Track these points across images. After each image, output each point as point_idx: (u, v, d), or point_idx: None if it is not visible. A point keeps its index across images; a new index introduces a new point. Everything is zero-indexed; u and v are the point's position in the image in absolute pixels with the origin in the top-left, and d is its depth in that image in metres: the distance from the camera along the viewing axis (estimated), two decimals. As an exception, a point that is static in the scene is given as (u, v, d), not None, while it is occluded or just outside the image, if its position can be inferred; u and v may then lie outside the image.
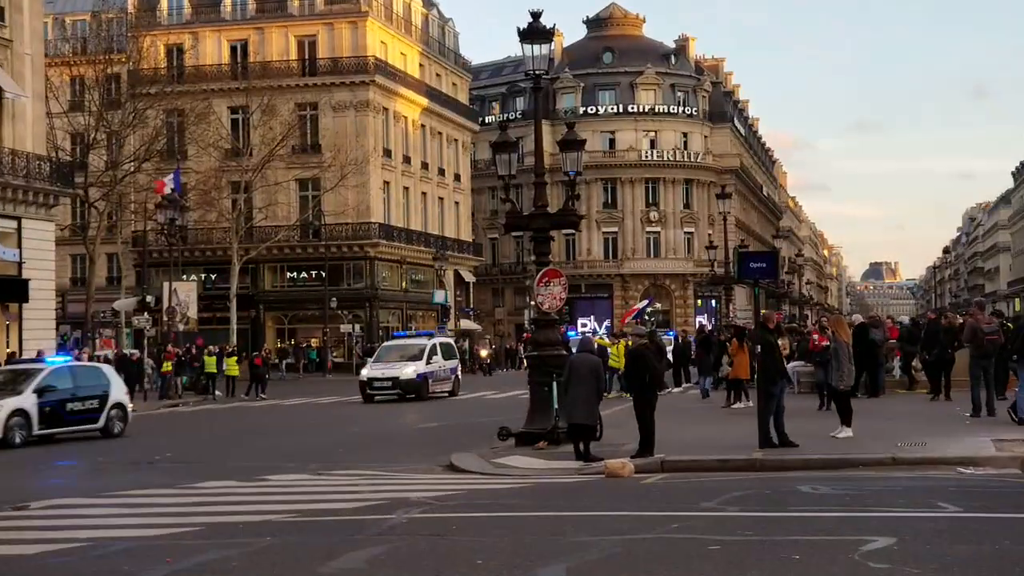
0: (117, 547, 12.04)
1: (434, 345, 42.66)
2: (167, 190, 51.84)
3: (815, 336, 29.21)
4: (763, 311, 21.54)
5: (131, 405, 31.36)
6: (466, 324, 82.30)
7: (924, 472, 16.80)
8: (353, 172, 68.21)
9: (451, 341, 48.42)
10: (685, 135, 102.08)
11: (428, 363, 41.41)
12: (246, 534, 12.60)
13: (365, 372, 41.78)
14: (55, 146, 54.83)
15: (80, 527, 13.61)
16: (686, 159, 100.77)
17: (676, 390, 37.59)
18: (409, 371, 40.58)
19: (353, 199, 70.13)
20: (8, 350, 42.14)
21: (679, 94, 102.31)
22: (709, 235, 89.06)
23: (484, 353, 70.50)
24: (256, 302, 71.48)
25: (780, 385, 20.27)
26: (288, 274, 73.13)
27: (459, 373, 44.73)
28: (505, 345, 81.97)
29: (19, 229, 44.82)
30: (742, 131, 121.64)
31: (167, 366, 46.06)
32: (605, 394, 23.12)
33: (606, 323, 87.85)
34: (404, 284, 76.58)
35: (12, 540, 12.74)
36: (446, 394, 41.92)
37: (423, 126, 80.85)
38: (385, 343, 49.35)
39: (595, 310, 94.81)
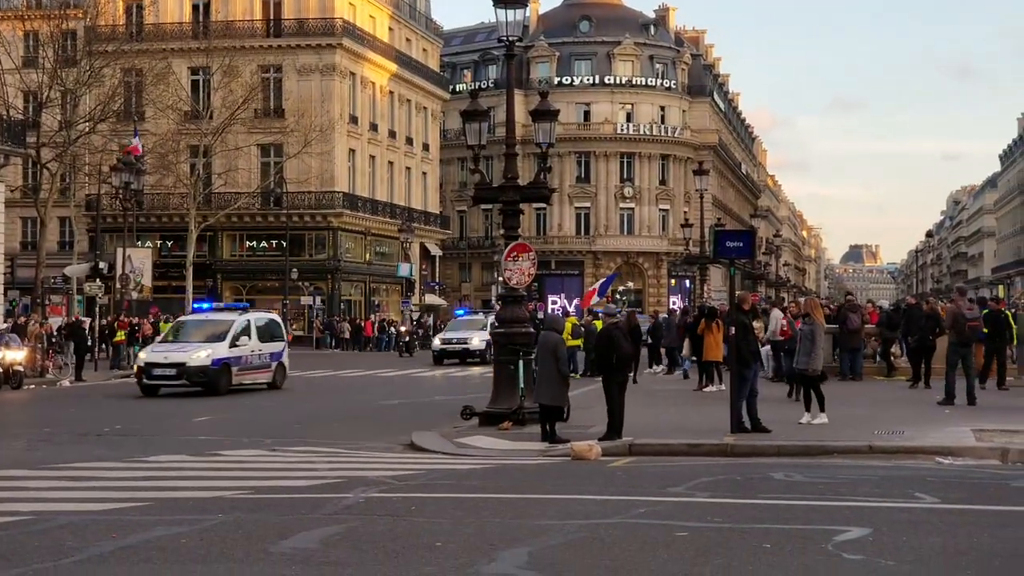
0: (61, 521, 11.71)
1: (247, 322, 33.36)
2: (139, 153, 50.82)
3: (783, 322, 28.04)
4: (738, 292, 20.82)
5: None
6: (432, 299, 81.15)
7: (901, 461, 16.62)
8: (317, 139, 66.75)
9: (275, 318, 37.92)
10: (663, 109, 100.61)
11: (233, 346, 32.20)
12: (196, 511, 12.35)
13: (142, 355, 33.37)
14: (6, 104, 53.18)
15: (22, 500, 13.31)
16: (663, 134, 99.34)
17: (656, 371, 37.21)
18: (202, 355, 31.49)
19: (317, 167, 68.62)
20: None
21: (658, 66, 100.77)
22: (685, 213, 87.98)
23: (404, 329, 65.13)
24: (214, 271, 70.08)
25: (754, 369, 19.79)
26: (248, 243, 71.73)
27: (285, 360, 34.83)
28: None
29: (-34, 189, 43.32)
30: (722, 106, 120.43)
31: (120, 335, 44.82)
32: (573, 375, 22.22)
33: (576, 301, 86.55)
34: (368, 256, 75.24)
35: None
36: (264, 385, 33.41)
37: (391, 93, 79.32)
38: (182, 318, 38.22)
39: (565, 287, 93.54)
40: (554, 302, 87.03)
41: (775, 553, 10.06)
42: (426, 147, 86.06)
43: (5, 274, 50.37)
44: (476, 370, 41.68)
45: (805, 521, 11.62)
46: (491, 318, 42.68)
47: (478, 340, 46.14)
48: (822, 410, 19.90)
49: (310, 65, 70.36)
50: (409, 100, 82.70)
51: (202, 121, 65.38)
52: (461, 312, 59.45)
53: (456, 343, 47.77)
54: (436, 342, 49.72)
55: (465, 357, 47.12)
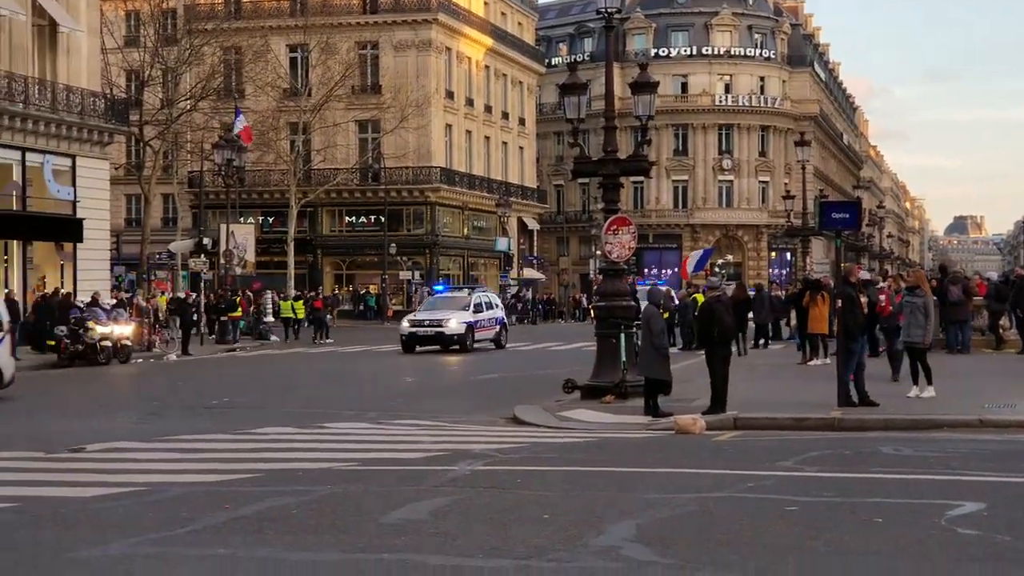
0: (174, 492, 11.89)
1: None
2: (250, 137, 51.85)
3: (882, 298, 27.39)
4: (844, 264, 20.30)
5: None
6: (530, 273, 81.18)
7: (1014, 435, 16.24)
8: (414, 114, 66.94)
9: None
10: (762, 79, 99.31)
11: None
12: (305, 482, 12.42)
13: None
14: (109, 82, 53.91)
15: (137, 471, 13.49)
16: (762, 104, 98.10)
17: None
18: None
19: (414, 142, 68.87)
20: (63, 290, 41.39)
21: (756, 36, 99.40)
22: (785, 184, 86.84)
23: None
24: (314, 246, 70.65)
25: (861, 342, 19.46)
26: (347, 218, 72.15)
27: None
28: (570, 295, 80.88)
29: (73, 167, 44.30)
30: (822, 76, 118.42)
31: (238, 312, 45.87)
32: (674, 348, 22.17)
33: (668, 273, 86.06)
34: (466, 231, 75.37)
35: (69, 482, 12.63)
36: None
37: (487, 67, 79.25)
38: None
39: (663, 261, 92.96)
40: (654, 274, 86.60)
41: (888, 527, 9.90)
42: (522, 121, 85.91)
43: (111, 250, 51.25)
44: (453, 358, 36.81)
45: (917, 495, 11.44)
46: (477, 295, 42.20)
47: (456, 322, 39.22)
48: (930, 383, 19.56)
49: (406, 41, 70.55)
50: (505, 74, 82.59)
51: (301, 98, 65.90)
52: (440, 288, 52.17)
53: (428, 326, 39.46)
54: (404, 324, 40.37)
55: (440, 343, 39.07)
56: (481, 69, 78.54)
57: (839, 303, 19.20)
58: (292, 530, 9.99)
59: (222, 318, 45.11)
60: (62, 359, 33.23)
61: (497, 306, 43.32)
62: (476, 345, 39.65)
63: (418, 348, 38.83)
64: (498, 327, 41.78)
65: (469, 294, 42.42)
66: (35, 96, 42.03)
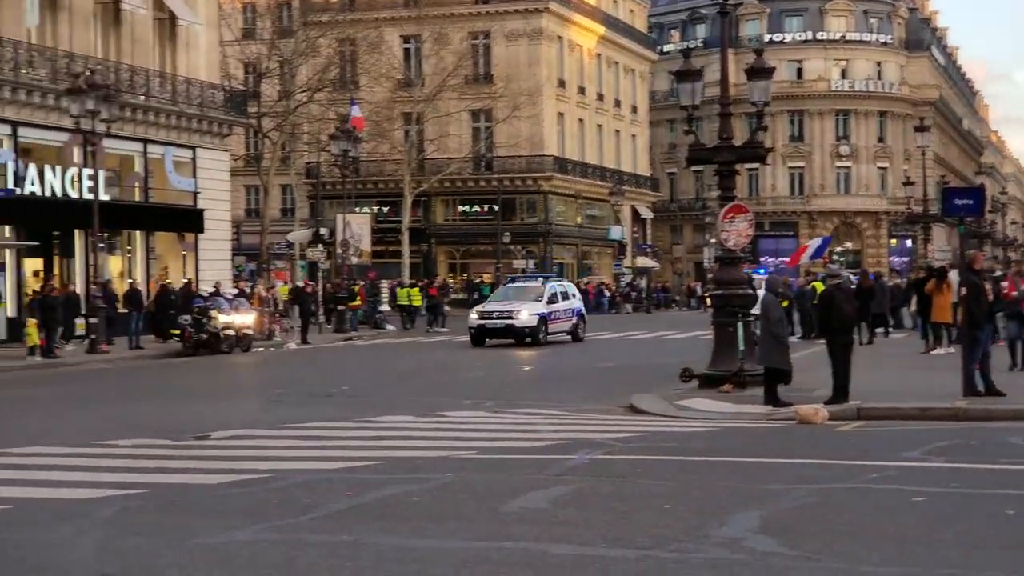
0: (297, 479, 12.02)
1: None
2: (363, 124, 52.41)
3: (1005, 285, 26.73)
4: (969, 251, 19.94)
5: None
6: (643, 261, 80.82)
7: None
8: (526, 103, 66.99)
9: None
10: (879, 64, 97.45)
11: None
12: (426, 470, 12.53)
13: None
14: (228, 75, 54.81)
15: (260, 458, 13.66)
16: (880, 90, 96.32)
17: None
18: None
19: (526, 131, 68.92)
20: (184, 279, 42.30)
21: (872, 20, 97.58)
22: (905, 171, 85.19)
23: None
24: (428, 235, 71.07)
25: (986, 330, 19.02)
26: (460, 207, 72.44)
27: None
28: (684, 283, 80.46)
29: (194, 159, 45.22)
30: (941, 60, 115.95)
31: (358, 301, 46.39)
32: (793, 337, 21.88)
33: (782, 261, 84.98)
34: (579, 219, 75.26)
35: (195, 469, 12.97)
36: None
37: (599, 55, 78.98)
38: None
39: (779, 248, 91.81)
40: (770, 262, 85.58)
41: (1020, 520, 9.71)
42: (634, 109, 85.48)
43: (232, 240, 52.15)
44: (524, 353, 33.95)
45: (1048, 487, 11.17)
46: (552, 286, 39.31)
47: (527, 314, 36.75)
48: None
49: (518, 30, 70.57)
50: (617, 62, 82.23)
51: (414, 88, 66.40)
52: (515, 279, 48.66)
53: (498, 318, 37.01)
54: (472, 316, 38.00)
55: (512, 336, 36.69)
56: (593, 57, 78.29)
57: (963, 291, 18.81)
58: (414, 517, 10.06)
59: (339, 307, 45.55)
60: (186, 348, 33.87)
61: (574, 296, 40.64)
62: (551, 338, 37.28)
63: (488, 341, 36.59)
64: (575, 319, 39.13)
65: (543, 284, 39.41)
66: (156, 89, 42.92)
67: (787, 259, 79.25)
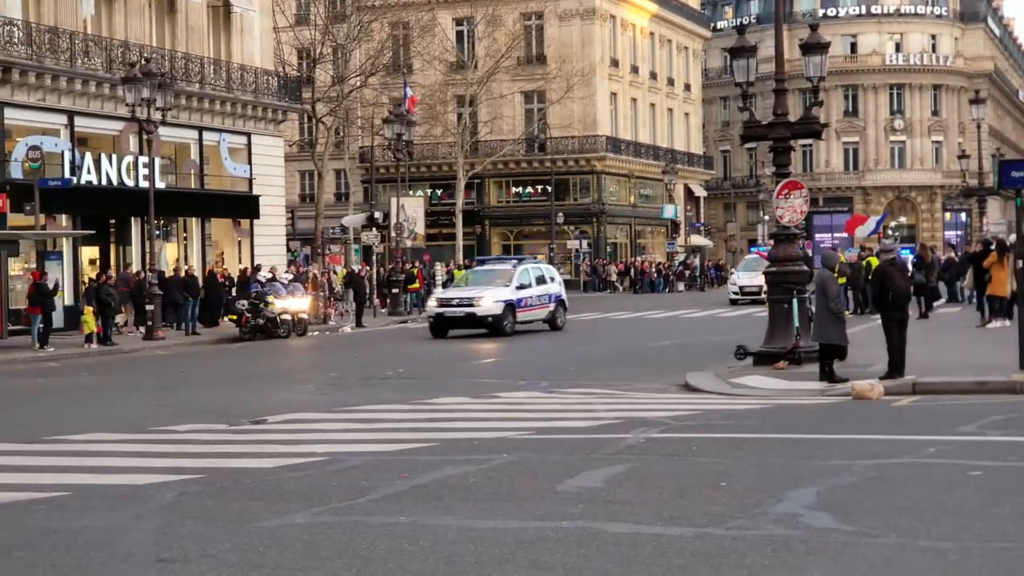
0: (354, 462, 12.12)
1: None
2: (415, 106, 52.46)
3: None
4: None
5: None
6: (697, 240, 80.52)
7: None
8: (579, 83, 66.81)
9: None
10: (933, 37, 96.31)
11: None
12: (481, 451, 12.58)
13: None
14: (282, 61, 55.10)
15: (317, 441, 13.73)
16: (934, 63, 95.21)
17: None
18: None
19: (579, 111, 68.74)
20: (240, 265, 42.66)
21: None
22: (960, 144, 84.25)
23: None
24: (481, 217, 71.11)
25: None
26: (513, 189, 72.40)
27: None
28: (738, 261, 79.91)
29: (249, 145, 45.51)
30: (996, 32, 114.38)
31: (416, 284, 46.66)
32: (847, 312, 21.66)
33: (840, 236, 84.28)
34: (632, 199, 74.99)
35: (252, 453, 13.13)
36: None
37: (651, 34, 78.57)
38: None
39: (834, 224, 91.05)
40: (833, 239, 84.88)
41: (1077, 493, 9.64)
42: (687, 87, 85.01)
43: (286, 226, 52.45)
44: (486, 346, 30.54)
45: (1107, 461, 11.11)
46: (524, 268, 34.96)
47: (491, 301, 32.65)
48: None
49: (571, 10, 70.31)
50: (670, 40, 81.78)
51: (467, 71, 66.34)
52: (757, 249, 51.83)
53: (457, 305, 32.99)
54: (431, 304, 34.80)
55: (473, 326, 32.85)
56: (646, 36, 77.91)
57: (1019, 264, 18.60)
58: (471, 498, 10.14)
59: (394, 290, 45.74)
60: (243, 333, 34.14)
61: (552, 280, 35.92)
62: (525, 327, 33.45)
63: (451, 332, 33.04)
64: (552, 304, 34.73)
65: (514, 267, 34.99)
66: (211, 76, 43.23)
67: (839, 236, 78.93)
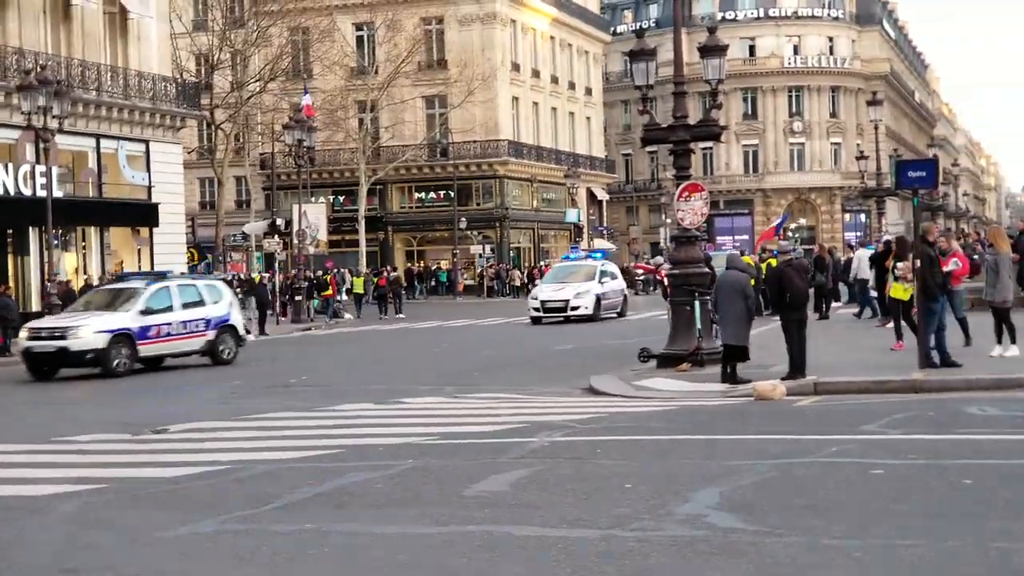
0: (259, 469, 12.07)
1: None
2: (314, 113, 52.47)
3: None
4: (922, 223, 20.06)
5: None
6: (600, 243, 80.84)
7: None
8: (480, 88, 66.79)
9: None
10: (831, 39, 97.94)
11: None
12: (386, 457, 12.53)
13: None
14: (180, 67, 54.42)
15: (221, 450, 13.73)
16: (832, 65, 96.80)
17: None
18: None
19: (481, 116, 68.77)
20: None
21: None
22: (858, 145, 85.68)
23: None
24: (384, 223, 70.82)
25: (941, 302, 19.01)
26: (416, 194, 72.23)
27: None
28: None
29: (147, 152, 44.95)
30: (892, 34, 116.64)
31: (330, 291, 46.92)
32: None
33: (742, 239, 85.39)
34: (535, 203, 75.25)
35: (154, 463, 12.90)
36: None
37: (552, 38, 78.89)
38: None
39: (735, 226, 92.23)
40: (735, 243, 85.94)
41: (977, 488, 9.81)
42: (588, 91, 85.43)
43: (186, 233, 51.83)
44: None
45: (1005, 455, 11.37)
46: (161, 287, 27.32)
47: (91, 332, 25.36)
48: (1013, 342, 19.23)
49: (471, 15, 70.34)
50: (570, 44, 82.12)
51: (368, 76, 66.10)
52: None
53: (48, 338, 25.60)
54: (22, 334, 26.87)
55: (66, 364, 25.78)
56: (546, 40, 78.18)
57: (917, 263, 18.96)
58: (377, 504, 10.11)
59: (296, 298, 45.41)
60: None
61: (216, 302, 28.51)
62: (175, 362, 27.57)
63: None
64: (211, 333, 27.70)
65: (147, 285, 27.32)
66: (108, 83, 42.56)
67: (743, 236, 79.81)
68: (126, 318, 25.93)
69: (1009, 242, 21.74)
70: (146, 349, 26.29)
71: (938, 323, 18.70)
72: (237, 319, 28.96)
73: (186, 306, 27.33)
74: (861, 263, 30.49)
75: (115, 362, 25.36)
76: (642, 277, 69.02)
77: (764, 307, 34.46)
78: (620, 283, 42.86)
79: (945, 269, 20.55)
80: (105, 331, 25.47)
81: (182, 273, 34.78)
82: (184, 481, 11.55)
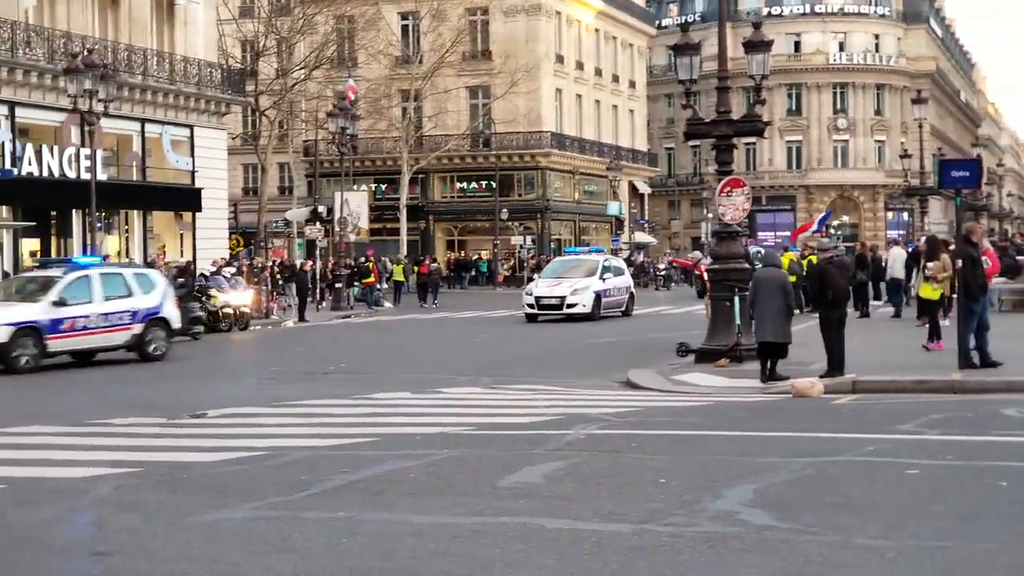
0: (294, 456, 12.07)
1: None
2: (354, 95, 52.39)
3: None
4: (966, 223, 19.88)
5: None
6: (641, 237, 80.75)
7: None
8: (524, 79, 66.73)
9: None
10: (876, 37, 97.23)
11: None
12: (422, 446, 12.54)
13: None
14: (225, 53, 54.70)
15: (257, 436, 13.76)
16: (877, 62, 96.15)
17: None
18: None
19: (524, 107, 68.71)
20: (183, 259, 42.36)
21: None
22: (902, 144, 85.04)
23: None
24: (426, 213, 70.89)
25: (982, 302, 18.86)
26: (458, 184, 72.24)
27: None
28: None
29: (191, 138, 45.24)
30: (938, 32, 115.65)
31: (372, 278, 46.74)
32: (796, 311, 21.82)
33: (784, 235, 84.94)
34: (577, 195, 75.16)
35: (192, 447, 12.91)
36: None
37: (597, 30, 78.70)
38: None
39: (777, 223, 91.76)
40: (763, 239, 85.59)
41: (1012, 490, 9.77)
42: (632, 84, 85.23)
43: (229, 219, 52.11)
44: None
45: (1042, 458, 11.23)
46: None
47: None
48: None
49: (516, 6, 70.23)
50: (615, 37, 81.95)
51: (412, 65, 66.18)
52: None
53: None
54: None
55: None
56: (591, 32, 78.02)
57: (959, 263, 18.82)
58: (411, 493, 10.11)
59: (336, 285, 45.52)
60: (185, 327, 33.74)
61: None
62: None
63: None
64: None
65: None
66: (154, 68, 42.87)
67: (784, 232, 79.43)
68: (35, 310, 23.82)
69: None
70: (57, 344, 24.03)
71: (979, 323, 18.56)
72: (170, 311, 26.45)
73: (110, 298, 25.14)
74: (895, 262, 30.32)
75: (18, 357, 23.18)
76: (664, 272, 68.69)
77: (805, 304, 34.38)
78: (625, 280, 39.88)
79: None
80: (9, 324, 23.30)
81: (107, 259, 31.94)
82: (219, 466, 11.60)
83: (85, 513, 9.57)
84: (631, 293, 39.73)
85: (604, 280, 37.66)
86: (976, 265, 18.79)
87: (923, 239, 31.41)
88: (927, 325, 22.30)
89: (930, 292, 21.49)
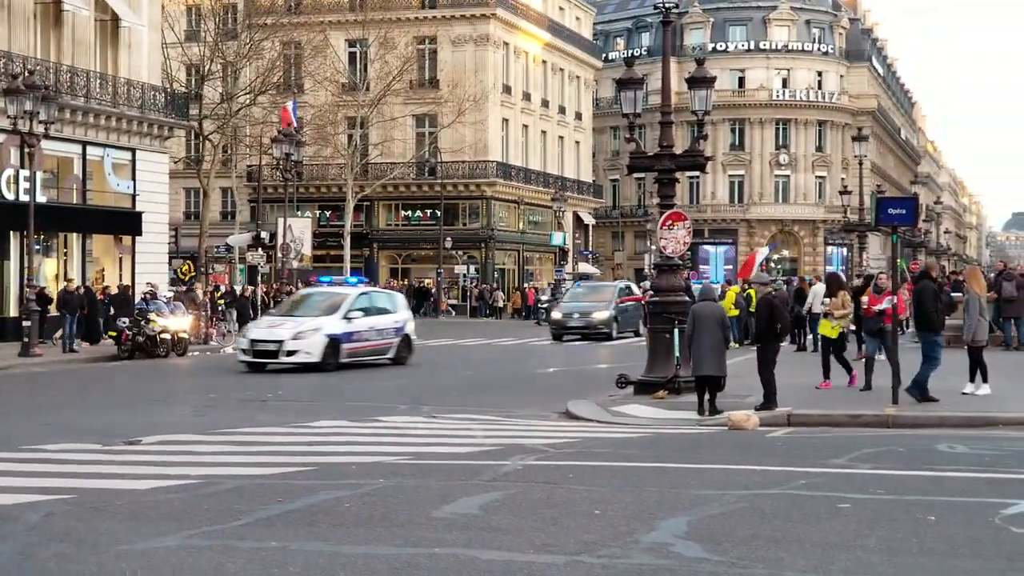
0: (228, 485, 12.00)
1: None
2: (292, 118, 51.87)
3: (865, 300, 25.98)
4: (926, 260, 20.08)
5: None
6: (585, 267, 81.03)
7: None
8: (471, 108, 67.00)
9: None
10: (819, 74, 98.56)
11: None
12: (358, 475, 12.52)
13: None
14: (170, 77, 54.44)
15: (192, 463, 13.62)
16: (820, 99, 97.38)
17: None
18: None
19: (470, 136, 68.94)
20: (121, 283, 41.92)
21: (814, 30, 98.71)
22: (843, 180, 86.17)
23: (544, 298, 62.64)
24: (370, 240, 70.88)
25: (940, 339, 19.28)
26: (403, 212, 72.32)
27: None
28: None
29: (133, 161, 44.84)
30: (880, 71, 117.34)
31: None
32: (733, 344, 22.00)
33: (726, 269, 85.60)
34: (521, 225, 75.36)
35: (125, 475, 12.75)
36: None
37: (544, 62, 79.18)
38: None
39: (718, 256, 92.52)
40: (704, 272, 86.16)
41: (940, 525, 9.86)
42: (579, 116, 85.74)
43: (169, 243, 51.72)
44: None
45: (971, 494, 11.40)
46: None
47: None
48: (985, 381, 19.42)
49: (464, 36, 70.57)
50: (562, 69, 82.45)
51: (359, 93, 66.18)
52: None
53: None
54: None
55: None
56: (538, 64, 78.45)
57: (848, 300, 19.16)
58: (345, 523, 10.08)
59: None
60: (121, 351, 33.55)
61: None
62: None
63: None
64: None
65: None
66: (96, 90, 42.52)
67: (729, 268, 79.96)
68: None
69: (984, 283, 21.84)
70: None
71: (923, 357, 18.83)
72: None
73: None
74: (816, 297, 30.36)
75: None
76: (546, 305, 66.75)
77: (745, 337, 34.63)
78: (391, 319, 31.06)
79: (877, 308, 20.70)
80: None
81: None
82: (152, 494, 11.48)
83: (13, 540, 9.44)
84: (405, 335, 31.32)
85: (349, 320, 29.46)
86: (937, 299, 19.08)
87: (864, 275, 31.69)
88: (864, 359, 22.50)
89: (828, 329, 21.67)
